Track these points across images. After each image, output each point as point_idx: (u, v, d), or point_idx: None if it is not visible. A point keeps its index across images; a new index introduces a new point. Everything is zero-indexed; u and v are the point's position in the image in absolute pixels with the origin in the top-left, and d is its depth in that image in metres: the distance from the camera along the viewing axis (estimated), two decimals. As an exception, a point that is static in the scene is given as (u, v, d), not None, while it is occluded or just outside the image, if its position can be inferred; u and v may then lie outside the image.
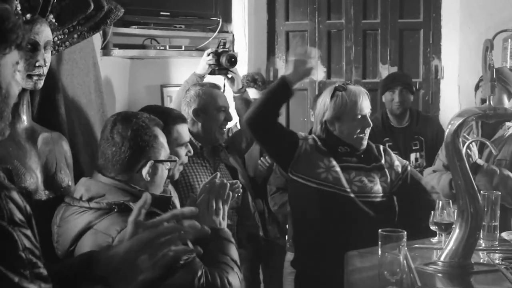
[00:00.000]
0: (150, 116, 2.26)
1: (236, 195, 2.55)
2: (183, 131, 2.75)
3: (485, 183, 3.33)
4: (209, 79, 3.85)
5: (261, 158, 4.04)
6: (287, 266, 4.03)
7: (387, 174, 3.20)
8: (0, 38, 1.35)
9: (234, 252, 2.25)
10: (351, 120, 3.15)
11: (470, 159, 3.34)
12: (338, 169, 3.12)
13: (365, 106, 3.17)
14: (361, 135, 3.17)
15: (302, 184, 3.13)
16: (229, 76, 3.83)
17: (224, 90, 3.76)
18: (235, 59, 3.83)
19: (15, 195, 1.28)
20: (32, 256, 1.28)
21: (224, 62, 3.80)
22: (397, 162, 3.27)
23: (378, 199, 3.14)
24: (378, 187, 3.15)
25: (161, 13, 4.39)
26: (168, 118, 2.62)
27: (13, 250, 1.24)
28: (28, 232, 1.28)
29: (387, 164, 3.22)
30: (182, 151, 2.74)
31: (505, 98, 3.47)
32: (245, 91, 3.88)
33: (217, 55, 3.83)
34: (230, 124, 3.75)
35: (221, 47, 3.90)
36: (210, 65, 3.81)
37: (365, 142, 3.21)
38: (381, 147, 3.33)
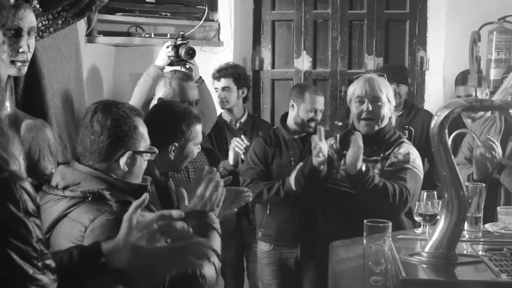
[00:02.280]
0: (132, 106, 2.25)
1: (244, 203, 2.59)
2: (200, 131, 2.80)
3: (510, 182, 3.30)
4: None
5: (237, 139, 3.99)
6: (262, 257, 3.99)
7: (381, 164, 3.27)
8: None
9: (216, 240, 2.21)
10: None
11: (495, 159, 3.30)
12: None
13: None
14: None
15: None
16: (187, 66, 3.92)
17: None
18: (193, 51, 3.92)
19: (28, 185, 1.28)
20: (43, 247, 1.28)
21: (183, 54, 3.89)
22: (404, 151, 3.30)
23: None
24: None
25: (147, 0, 4.35)
26: (189, 117, 2.73)
27: (28, 241, 1.24)
28: (39, 222, 1.28)
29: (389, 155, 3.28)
30: (196, 149, 2.80)
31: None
32: (202, 81, 3.95)
33: (176, 47, 3.92)
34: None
35: (180, 39, 3.93)
36: (169, 57, 3.90)
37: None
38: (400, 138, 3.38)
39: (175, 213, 1.71)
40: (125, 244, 1.63)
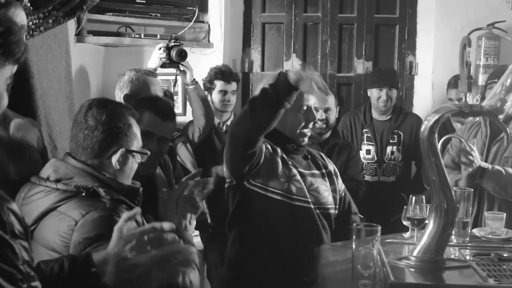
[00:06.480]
0: (126, 105, 2.26)
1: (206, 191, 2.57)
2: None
3: (494, 185, 3.27)
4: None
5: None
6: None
7: (336, 183, 3.02)
8: (6, 50, 1.37)
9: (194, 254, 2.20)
10: (295, 112, 2.84)
11: (474, 164, 3.24)
12: (299, 177, 2.84)
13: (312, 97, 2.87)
14: (304, 130, 2.89)
15: (262, 195, 2.80)
16: (181, 69, 3.94)
17: (175, 83, 4.03)
18: (185, 53, 3.93)
19: (15, 207, 1.28)
20: (30, 269, 1.28)
21: (174, 56, 3.90)
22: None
23: (332, 211, 2.97)
24: (331, 198, 2.96)
25: (137, 0, 4.34)
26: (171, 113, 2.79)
27: (14, 264, 1.24)
28: (26, 244, 1.29)
29: (334, 172, 3.05)
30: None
31: None
32: (197, 83, 3.97)
33: (168, 49, 3.93)
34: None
35: (173, 41, 3.94)
36: (161, 58, 3.91)
37: (306, 139, 2.93)
38: (320, 153, 3.15)
39: (166, 225, 1.71)
40: (115, 255, 1.61)
